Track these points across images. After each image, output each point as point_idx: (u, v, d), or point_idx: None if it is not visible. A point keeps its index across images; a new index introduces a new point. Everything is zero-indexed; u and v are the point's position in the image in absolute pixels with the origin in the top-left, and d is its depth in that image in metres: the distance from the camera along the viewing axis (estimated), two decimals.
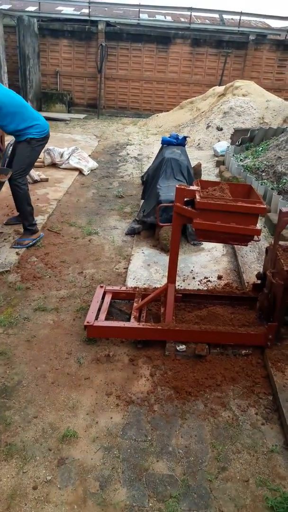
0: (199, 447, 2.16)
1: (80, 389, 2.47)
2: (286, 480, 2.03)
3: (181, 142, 5.57)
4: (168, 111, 12.67)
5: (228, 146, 7.86)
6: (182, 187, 2.82)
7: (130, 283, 3.59)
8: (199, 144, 9.19)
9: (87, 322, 2.78)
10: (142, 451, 2.13)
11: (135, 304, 3.06)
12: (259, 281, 3.18)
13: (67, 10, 16.83)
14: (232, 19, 18.11)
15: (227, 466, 2.08)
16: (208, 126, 9.64)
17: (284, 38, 13.98)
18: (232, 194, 2.78)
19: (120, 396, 2.44)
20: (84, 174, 6.76)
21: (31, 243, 4.11)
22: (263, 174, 5.95)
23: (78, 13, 16.71)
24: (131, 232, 4.62)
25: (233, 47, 13.19)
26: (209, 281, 3.73)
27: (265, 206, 2.59)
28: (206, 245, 4.36)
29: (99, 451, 2.11)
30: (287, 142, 6.20)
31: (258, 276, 3.17)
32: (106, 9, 19.31)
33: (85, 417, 2.29)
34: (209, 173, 7.22)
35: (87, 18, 13.73)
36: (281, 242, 2.91)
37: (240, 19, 14.80)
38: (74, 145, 7.79)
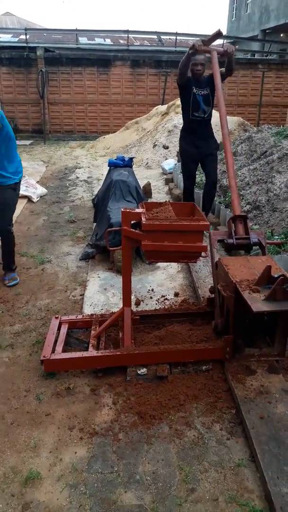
0: (166, 471, 2.14)
1: (41, 427, 2.40)
2: (254, 493, 2.04)
3: (127, 163, 5.65)
4: (114, 132, 12.83)
5: (175, 164, 8.03)
6: (128, 210, 2.86)
7: (87, 310, 3.55)
8: (147, 163, 9.34)
9: (44, 357, 2.71)
10: (109, 483, 2.08)
11: (92, 332, 3.02)
12: (213, 295, 3.24)
13: (4, 38, 16.78)
14: (169, 39, 18.73)
15: (196, 487, 2.07)
16: (154, 145, 9.83)
17: None
18: (176, 213, 2.84)
19: (83, 428, 2.38)
20: (33, 201, 6.68)
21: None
22: None
23: (16, 39, 16.70)
24: (85, 257, 4.59)
25: (172, 66, 13.62)
26: (166, 299, 3.75)
27: (207, 223, 2.66)
28: (161, 263, 4.39)
29: (65, 490, 2.04)
30: None
31: (211, 290, 3.23)
32: (45, 34, 19.46)
33: (48, 456, 2.22)
34: (159, 191, 7.33)
35: (24, 45, 13.77)
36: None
37: (176, 39, 15.36)
38: None
